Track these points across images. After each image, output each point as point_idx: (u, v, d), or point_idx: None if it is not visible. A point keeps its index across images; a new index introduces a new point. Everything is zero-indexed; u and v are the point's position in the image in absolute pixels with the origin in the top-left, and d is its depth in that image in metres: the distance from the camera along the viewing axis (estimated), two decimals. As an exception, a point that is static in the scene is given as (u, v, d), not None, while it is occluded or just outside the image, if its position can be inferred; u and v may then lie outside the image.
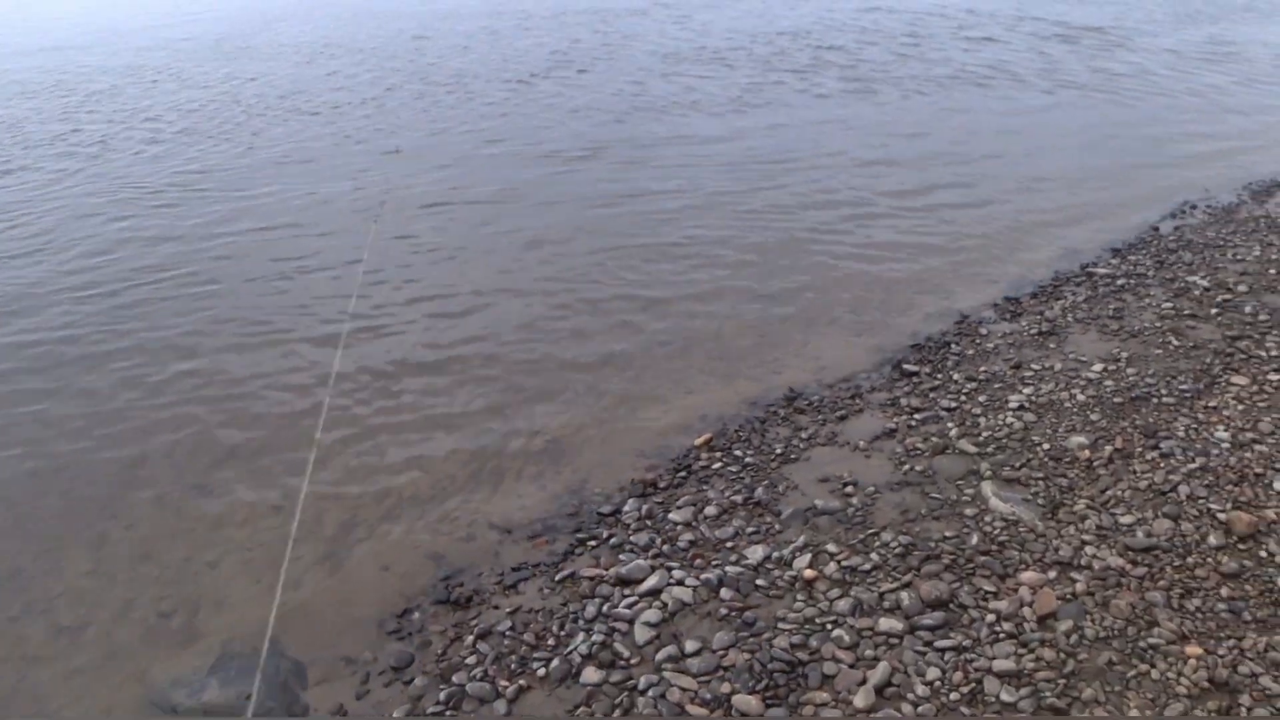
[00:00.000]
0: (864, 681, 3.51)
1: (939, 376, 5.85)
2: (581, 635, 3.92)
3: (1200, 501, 4.35)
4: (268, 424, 5.90)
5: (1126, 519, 4.27)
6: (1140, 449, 4.82)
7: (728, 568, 4.20)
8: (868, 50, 16.48)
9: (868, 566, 4.13)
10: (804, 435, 5.29)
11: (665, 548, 4.42)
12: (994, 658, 3.57)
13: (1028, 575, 3.96)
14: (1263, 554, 3.99)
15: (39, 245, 8.99)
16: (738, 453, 5.18)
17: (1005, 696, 3.40)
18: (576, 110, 13.25)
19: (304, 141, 12.39)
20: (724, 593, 4.05)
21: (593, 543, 4.56)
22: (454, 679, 3.81)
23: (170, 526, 5.05)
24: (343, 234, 8.82)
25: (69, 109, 15.18)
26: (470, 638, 4.03)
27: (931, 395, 5.61)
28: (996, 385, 5.64)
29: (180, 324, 7.22)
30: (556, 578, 4.32)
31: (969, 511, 4.44)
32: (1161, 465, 4.67)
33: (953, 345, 6.28)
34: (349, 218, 9.26)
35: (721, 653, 3.73)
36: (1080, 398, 5.38)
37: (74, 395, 6.38)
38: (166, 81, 17.09)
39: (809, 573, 4.11)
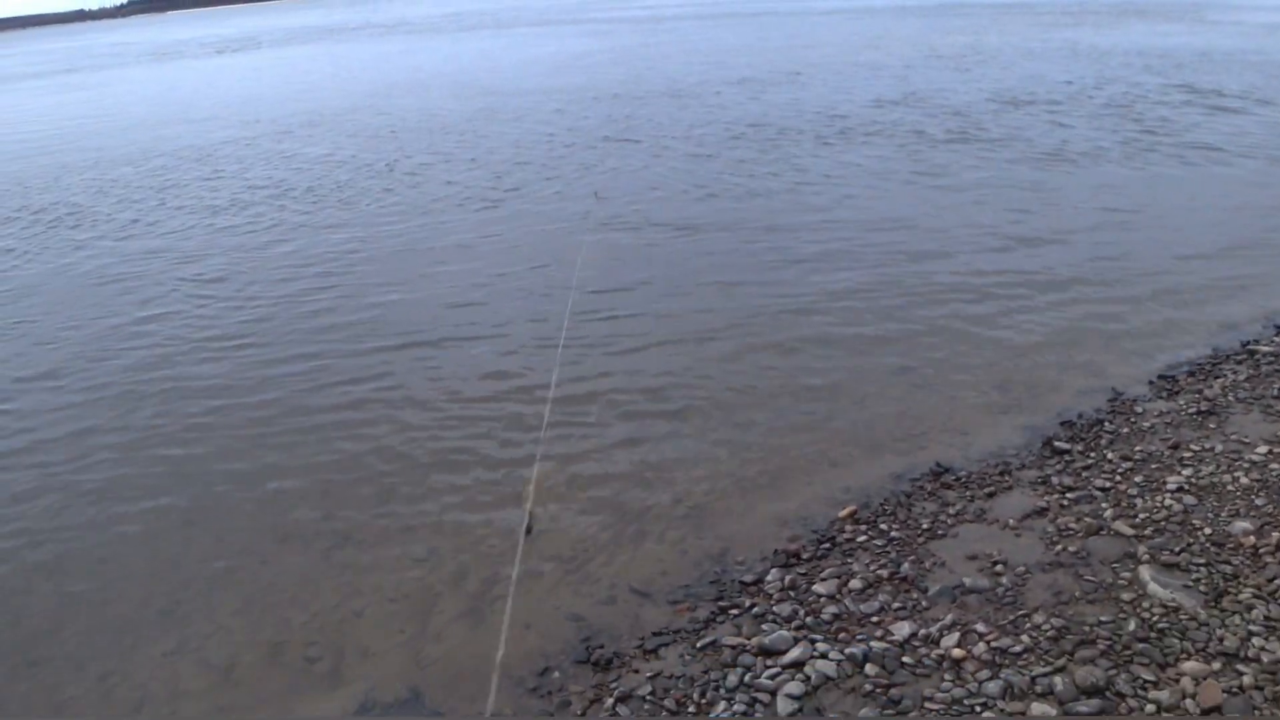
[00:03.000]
0: (1016, 767, 3.41)
1: (1092, 455, 5.68)
2: (723, 704, 3.90)
3: (1379, 595, 4.12)
4: (416, 477, 6.07)
5: (1297, 610, 4.07)
6: (1311, 537, 4.59)
7: (873, 643, 4.13)
8: (1004, 120, 16.28)
9: (1018, 648, 4.01)
10: (951, 511, 5.19)
11: (809, 620, 4.37)
12: (1155, 750, 3.42)
13: (1190, 665, 3.80)
14: None
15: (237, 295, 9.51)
16: (883, 526, 5.11)
17: (1168, 792, 3.25)
18: (708, 183, 13.39)
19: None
20: (869, 668, 3.98)
21: (735, 611, 4.54)
22: (594, 741, 3.83)
23: (319, 574, 5.23)
24: (529, 306, 9.08)
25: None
26: (610, 700, 4.04)
27: (1084, 474, 5.45)
28: (1153, 465, 5.45)
29: (345, 375, 7.54)
30: (698, 645, 4.31)
31: (1126, 596, 4.29)
32: (1335, 555, 4.44)
33: (1106, 423, 6.09)
34: (533, 294, 9.54)
35: (867, 730, 3.67)
36: (1244, 481, 5.15)
37: (233, 434, 6.71)
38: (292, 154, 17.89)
39: (957, 652, 4.02)
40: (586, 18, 56.15)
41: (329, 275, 10.16)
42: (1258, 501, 4.94)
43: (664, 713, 3.93)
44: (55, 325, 9.28)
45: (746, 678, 4.03)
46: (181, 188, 15.36)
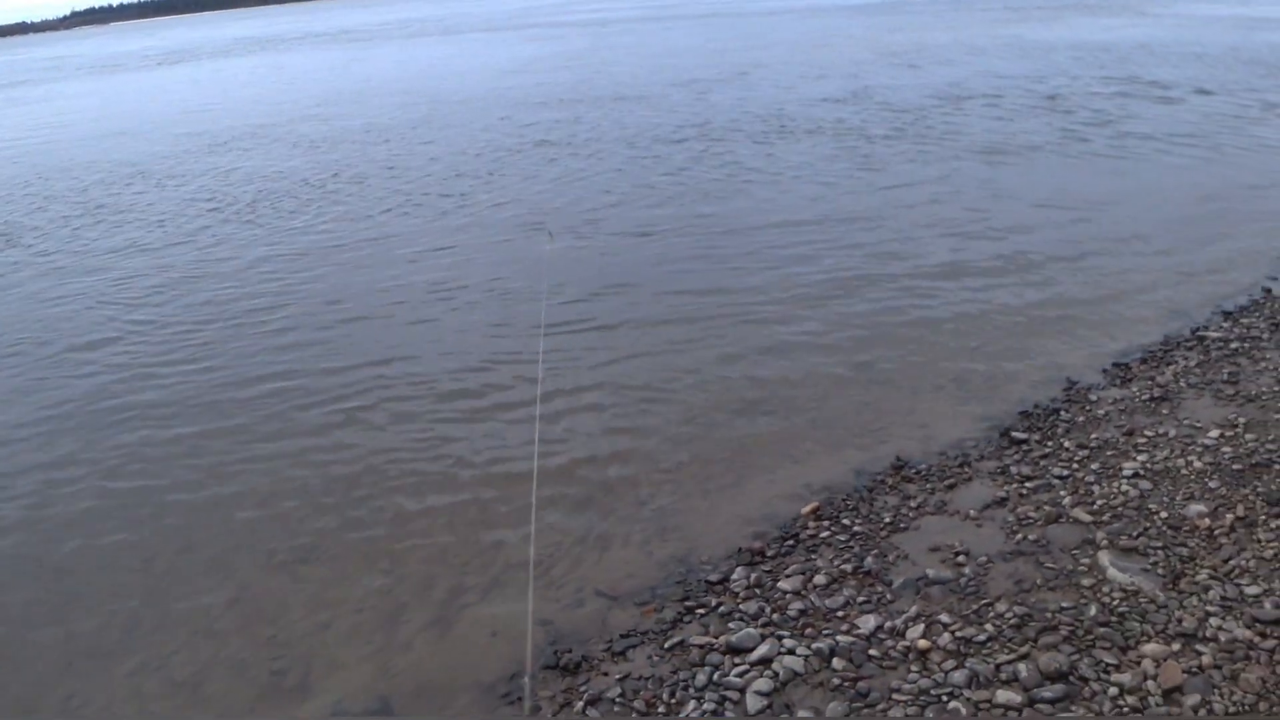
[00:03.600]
0: (984, 755, 3.44)
1: (1049, 444, 5.75)
2: (693, 704, 3.91)
3: (1331, 572, 4.20)
4: (379, 490, 6.03)
5: (1252, 589, 4.14)
6: (1263, 517, 4.68)
7: (839, 637, 4.16)
8: (953, 116, 16.47)
9: (983, 637, 4.05)
10: (913, 504, 5.24)
11: (775, 616, 4.39)
12: (1119, 732, 3.47)
13: (1150, 647, 3.86)
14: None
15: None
16: (846, 521, 5.14)
17: (1132, 773, 3.30)
18: (659, 186, 13.43)
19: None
20: (836, 662, 4.01)
21: (701, 611, 4.55)
22: (564, 745, 3.83)
23: (283, 587, 5.19)
24: (483, 320, 9.03)
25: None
26: (580, 704, 4.05)
27: (1042, 463, 5.52)
28: (1109, 452, 5.53)
29: (303, 393, 7.49)
30: (666, 645, 4.32)
31: (1086, 581, 4.35)
32: (1287, 534, 4.52)
33: (1062, 412, 6.17)
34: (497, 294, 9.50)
35: (836, 723, 3.69)
36: (1197, 464, 5.24)
37: (193, 455, 6.63)
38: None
39: (923, 643, 4.05)
40: (532, 23, 56.04)
41: (279, 294, 10.03)
42: (1211, 484, 5.03)
43: (634, 714, 3.93)
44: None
45: (715, 676, 4.04)
46: (120, 207, 15.10)
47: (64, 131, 25.33)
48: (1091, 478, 5.26)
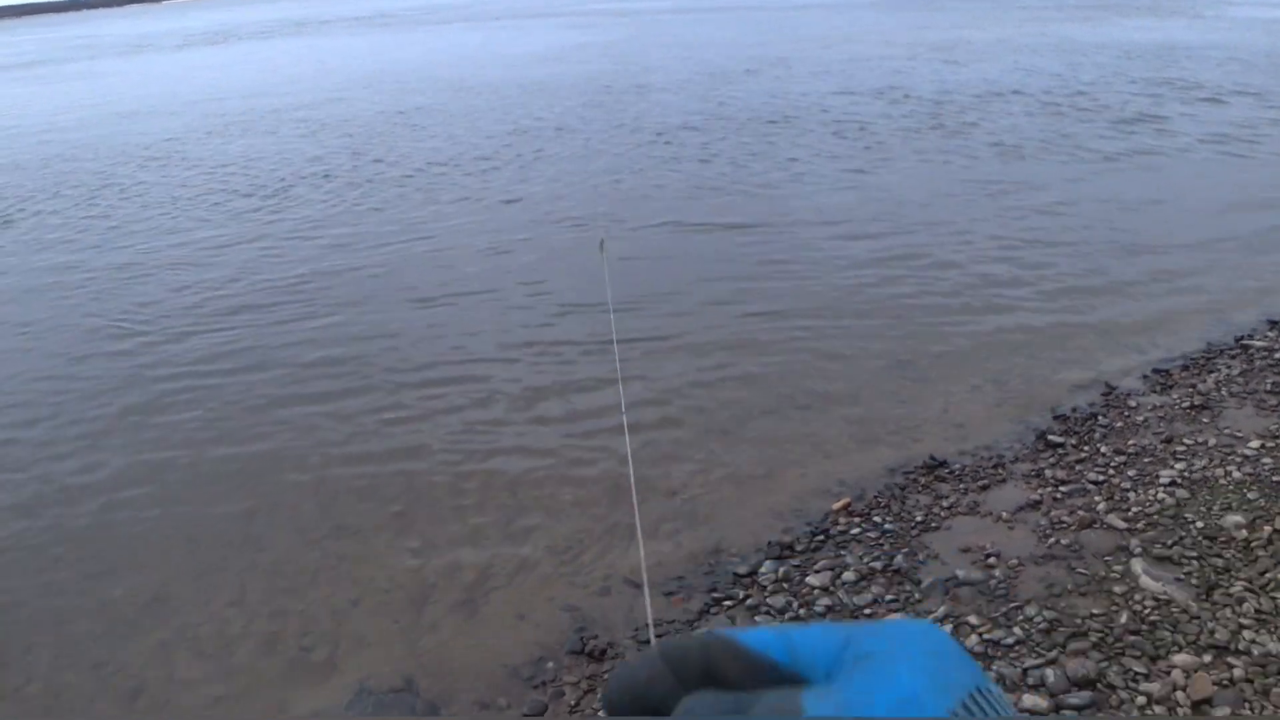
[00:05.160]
0: (1007, 759, 3.42)
1: (1085, 448, 5.69)
2: (716, 695, 3.90)
3: (1369, 589, 4.14)
4: (410, 470, 6.07)
5: (1288, 604, 4.09)
6: (1303, 531, 4.61)
7: (866, 635, 4.14)
8: (1008, 113, 16.30)
9: (1010, 641, 4.03)
10: (945, 503, 5.21)
11: (802, 611, 4.39)
12: (1146, 742, 3.44)
13: (1181, 658, 3.82)
14: None
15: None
16: (877, 519, 5.12)
17: (1158, 783, 3.27)
18: (695, 181, 13.38)
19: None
20: (861, 660, 3.99)
21: (728, 603, 4.56)
22: (588, 731, 3.85)
23: (313, 563, 5.23)
24: (510, 313, 9.06)
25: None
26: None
27: (1078, 467, 5.47)
28: (1146, 459, 5.47)
29: (337, 367, 7.55)
30: (691, 636, 4.32)
31: (1118, 589, 4.31)
32: (1326, 549, 4.46)
33: (1100, 417, 6.11)
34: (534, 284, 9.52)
35: (859, 722, 3.68)
36: (1236, 475, 5.18)
37: (226, 434, 6.69)
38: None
39: (950, 644, 4.02)
40: (561, 11, 55.73)
41: (312, 276, 10.12)
42: (1250, 495, 4.96)
43: (658, 703, 3.93)
44: (20, 328, 9.21)
45: (740, 669, 4.03)
46: (154, 187, 15.16)
47: (98, 110, 25.43)
48: (1127, 484, 5.20)
